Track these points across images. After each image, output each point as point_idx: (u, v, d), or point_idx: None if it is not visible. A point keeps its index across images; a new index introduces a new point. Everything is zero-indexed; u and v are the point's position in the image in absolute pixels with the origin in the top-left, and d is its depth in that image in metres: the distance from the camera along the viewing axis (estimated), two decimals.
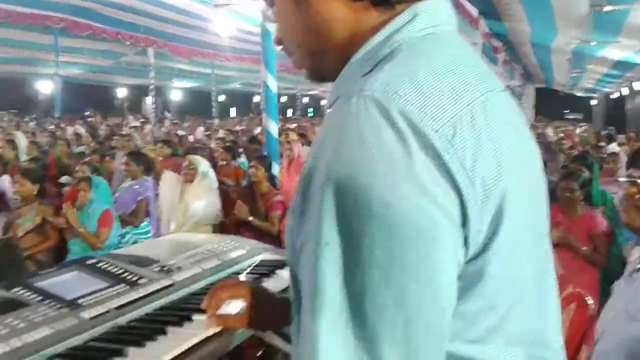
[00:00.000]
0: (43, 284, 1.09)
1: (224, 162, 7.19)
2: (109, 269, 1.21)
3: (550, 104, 28.90)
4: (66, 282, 1.11)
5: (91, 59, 19.70)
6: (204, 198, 5.00)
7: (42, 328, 0.93)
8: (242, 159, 8.20)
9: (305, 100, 40.26)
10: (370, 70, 0.69)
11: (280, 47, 0.84)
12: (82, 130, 12.98)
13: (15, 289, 1.05)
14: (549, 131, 15.36)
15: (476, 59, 0.74)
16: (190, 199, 4.96)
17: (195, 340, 0.97)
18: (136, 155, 5.65)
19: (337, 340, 0.59)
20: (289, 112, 31.69)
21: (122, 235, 4.85)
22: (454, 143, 0.61)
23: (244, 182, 6.54)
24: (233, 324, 1.03)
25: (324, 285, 0.60)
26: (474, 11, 11.65)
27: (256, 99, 31.67)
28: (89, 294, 1.08)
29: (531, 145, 0.76)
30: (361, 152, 0.60)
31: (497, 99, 0.69)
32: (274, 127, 5.43)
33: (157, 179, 5.77)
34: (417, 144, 0.59)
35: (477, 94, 0.66)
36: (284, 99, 30.99)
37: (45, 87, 23.45)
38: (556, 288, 0.78)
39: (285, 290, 1.22)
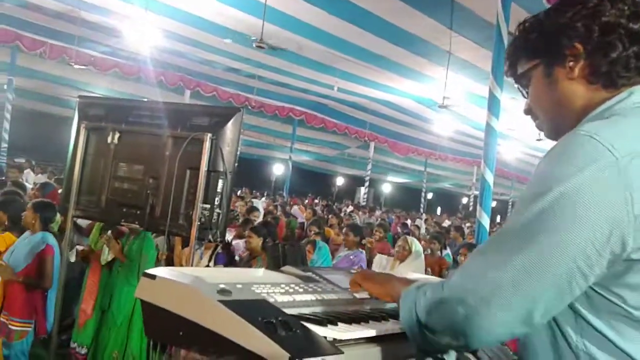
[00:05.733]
0: (325, 274, 1.52)
1: (429, 252, 7.43)
2: None
3: None
4: (338, 278, 1.52)
5: (319, 149, 22.09)
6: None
7: (330, 294, 1.34)
8: (447, 251, 8.38)
9: None
10: None
11: (529, 115, 1.19)
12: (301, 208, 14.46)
13: (309, 273, 1.49)
14: None
15: None
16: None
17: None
18: (355, 228, 6.26)
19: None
20: (498, 219, 30.72)
21: None
22: (631, 164, 0.89)
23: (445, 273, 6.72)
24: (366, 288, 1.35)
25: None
26: None
27: (464, 200, 31.53)
28: None
29: None
30: (564, 158, 0.93)
31: None
32: (486, 220, 5.59)
33: (371, 254, 6.32)
34: (601, 160, 0.89)
35: None
36: (494, 203, 30.17)
37: (278, 170, 26.76)
38: None
39: None
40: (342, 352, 1.00)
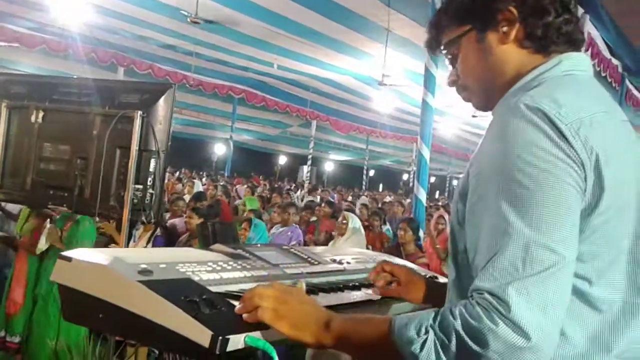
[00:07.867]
0: (255, 251, 1.50)
1: (370, 228, 7.52)
2: (298, 253, 1.59)
3: None
4: (269, 254, 1.50)
5: (261, 127, 21.85)
6: None
7: (260, 271, 1.33)
8: (387, 226, 8.52)
9: (455, 182, 39.70)
10: None
11: (454, 87, 1.19)
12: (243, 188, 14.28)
13: (239, 250, 1.47)
14: None
15: (603, 94, 1.05)
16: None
17: (364, 298, 1.32)
18: (291, 206, 6.29)
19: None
20: (437, 194, 31.54)
21: None
22: (579, 133, 0.91)
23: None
24: (392, 294, 1.39)
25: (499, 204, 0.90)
26: None
27: (405, 176, 32.17)
28: (287, 263, 1.46)
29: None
30: (510, 133, 0.92)
31: (611, 120, 0.99)
32: (423, 195, 5.72)
33: (312, 231, 6.36)
34: (550, 130, 0.90)
35: (595, 111, 0.96)
36: (432, 179, 30.91)
37: (219, 149, 26.34)
38: None
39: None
40: (268, 328, 0.98)
